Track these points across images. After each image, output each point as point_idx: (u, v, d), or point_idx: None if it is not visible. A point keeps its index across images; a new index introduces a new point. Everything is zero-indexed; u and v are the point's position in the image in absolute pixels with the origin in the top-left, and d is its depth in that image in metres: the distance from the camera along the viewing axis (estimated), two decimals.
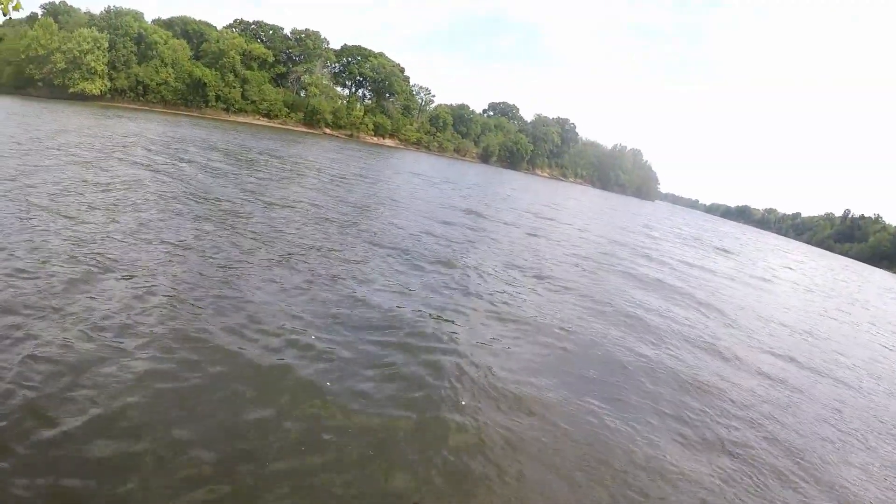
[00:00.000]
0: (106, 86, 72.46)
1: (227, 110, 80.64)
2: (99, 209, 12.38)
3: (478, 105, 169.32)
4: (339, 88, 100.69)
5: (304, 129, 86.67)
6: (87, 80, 70.05)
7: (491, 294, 11.92)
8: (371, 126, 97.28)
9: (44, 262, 8.42)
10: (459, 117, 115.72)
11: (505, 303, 11.49)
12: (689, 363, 10.38)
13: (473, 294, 11.65)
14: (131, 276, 8.51)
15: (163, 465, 4.67)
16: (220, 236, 11.88)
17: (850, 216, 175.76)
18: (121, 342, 6.44)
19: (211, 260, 10.12)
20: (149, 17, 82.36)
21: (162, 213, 13.17)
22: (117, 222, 11.51)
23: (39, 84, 69.45)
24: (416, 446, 5.67)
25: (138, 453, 4.74)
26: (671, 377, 9.37)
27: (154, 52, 76.95)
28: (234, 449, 5.03)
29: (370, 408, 6.17)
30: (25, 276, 7.84)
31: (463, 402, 6.75)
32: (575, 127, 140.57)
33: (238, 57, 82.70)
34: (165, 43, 78.14)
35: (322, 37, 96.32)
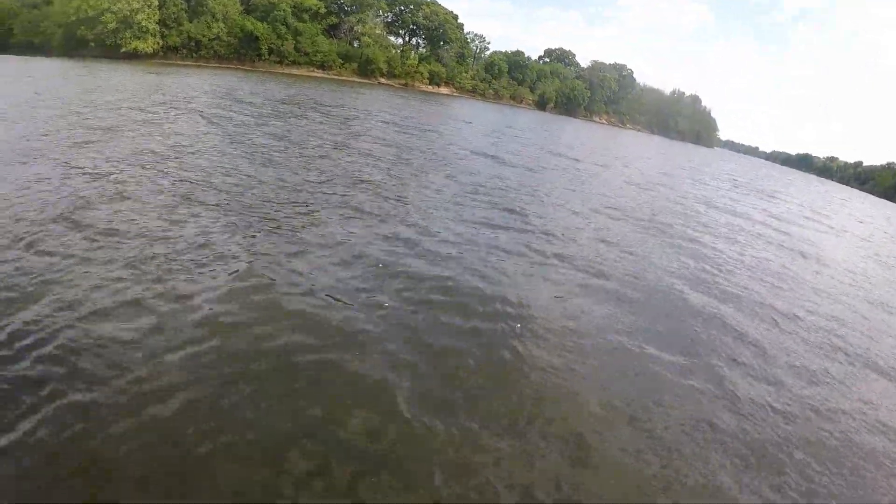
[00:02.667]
0: (158, 44, 68.14)
1: (280, 63, 74.67)
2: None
3: (533, 52, 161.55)
4: (392, 38, 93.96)
5: (358, 80, 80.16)
6: (139, 38, 65.94)
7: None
8: (426, 74, 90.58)
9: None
10: (515, 64, 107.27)
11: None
12: None
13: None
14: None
15: None
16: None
17: None
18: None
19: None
20: None
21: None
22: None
23: (91, 45, 65.14)
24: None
25: None
26: None
27: (205, 8, 71.60)
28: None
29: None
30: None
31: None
32: (632, 73, 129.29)
33: (289, 9, 76.14)
34: None
35: None
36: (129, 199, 9.24)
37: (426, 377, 5.60)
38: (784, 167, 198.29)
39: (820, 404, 6.85)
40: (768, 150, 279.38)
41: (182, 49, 70.62)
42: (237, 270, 7.15)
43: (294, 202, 10.56)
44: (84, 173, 10.43)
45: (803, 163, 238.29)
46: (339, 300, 6.82)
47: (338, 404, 4.95)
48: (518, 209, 13.28)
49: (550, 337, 6.98)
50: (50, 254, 6.84)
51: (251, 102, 27.53)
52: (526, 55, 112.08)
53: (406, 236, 9.63)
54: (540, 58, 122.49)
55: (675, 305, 9.16)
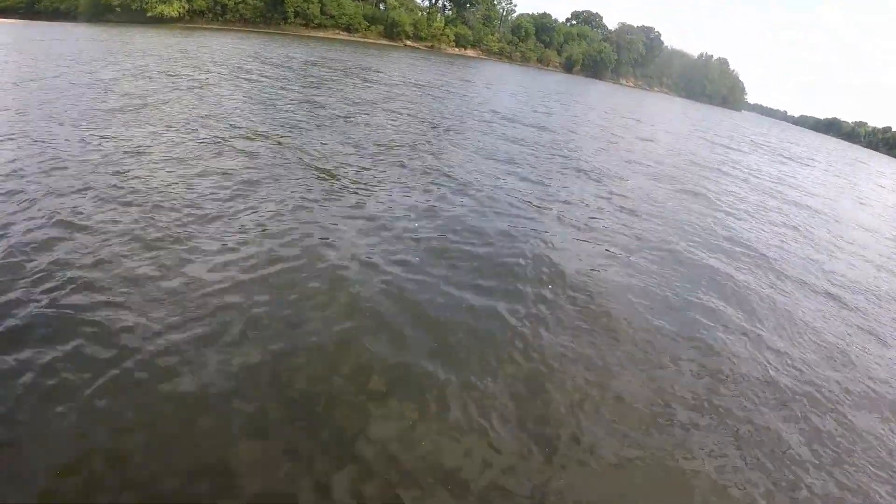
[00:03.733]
0: (184, 7, 65.66)
1: (306, 25, 71.99)
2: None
3: (560, 14, 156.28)
4: (418, 0, 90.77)
5: (384, 42, 77.52)
6: (164, 3, 63.50)
7: None
8: (452, 37, 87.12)
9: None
10: (542, 26, 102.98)
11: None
12: None
13: None
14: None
15: None
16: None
17: None
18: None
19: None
20: None
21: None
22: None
23: (118, 10, 63.35)
24: None
25: None
26: None
27: None
28: None
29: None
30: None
31: None
32: (660, 35, 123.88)
33: None
34: None
35: None
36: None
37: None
38: (812, 131, 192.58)
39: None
40: (796, 115, 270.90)
41: (208, 13, 68.39)
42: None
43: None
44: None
45: (831, 127, 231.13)
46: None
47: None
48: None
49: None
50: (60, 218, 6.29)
51: (271, 65, 26.15)
52: (553, 17, 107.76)
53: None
54: (567, 20, 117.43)
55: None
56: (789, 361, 6.01)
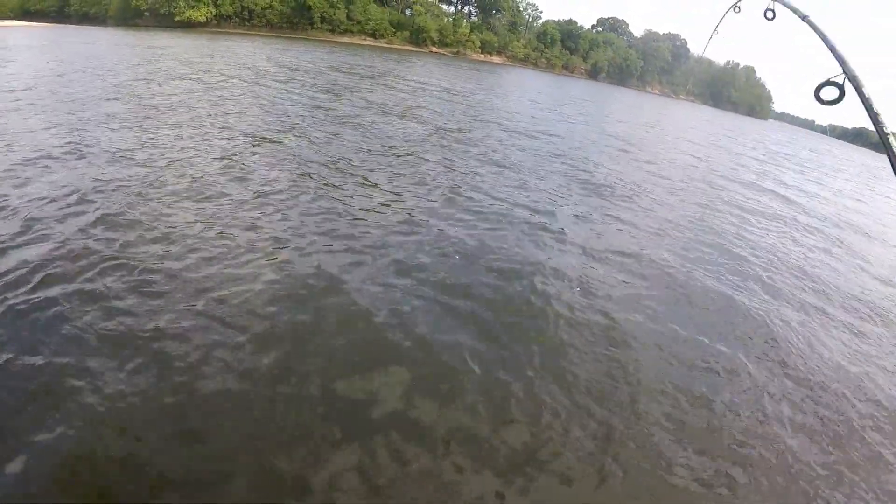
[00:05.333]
0: (211, 13, 65.60)
1: (332, 31, 71.05)
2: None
3: (586, 21, 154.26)
4: (444, 6, 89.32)
5: (410, 48, 75.79)
6: (192, 7, 63.52)
7: None
8: (478, 43, 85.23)
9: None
10: (567, 33, 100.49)
11: None
12: None
13: None
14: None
15: None
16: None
17: None
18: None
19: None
20: None
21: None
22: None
23: (146, 14, 63.71)
24: None
25: None
26: None
27: None
28: None
29: None
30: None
31: None
32: (686, 43, 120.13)
33: None
34: None
35: None
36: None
37: None
38: (839, 141, 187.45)
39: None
40: (824, 124, 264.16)
41: (235, 18, 68.14)
42: None
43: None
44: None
45: (858, 137, 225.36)
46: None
47: None
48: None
49: None
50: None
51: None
52: (578, 24, 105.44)
53: None
54: (592, 27, 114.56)
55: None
56: None
